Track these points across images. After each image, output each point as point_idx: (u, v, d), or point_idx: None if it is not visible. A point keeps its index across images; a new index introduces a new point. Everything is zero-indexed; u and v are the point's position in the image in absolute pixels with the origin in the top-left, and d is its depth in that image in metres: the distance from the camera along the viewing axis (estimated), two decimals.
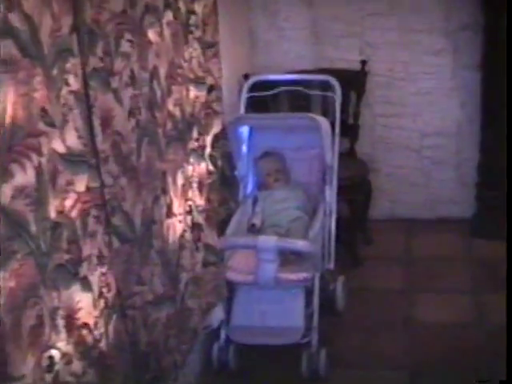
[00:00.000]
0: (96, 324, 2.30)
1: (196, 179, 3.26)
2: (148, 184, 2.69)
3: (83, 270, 2.22)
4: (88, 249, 2.25)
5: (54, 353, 2.05)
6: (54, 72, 2.04)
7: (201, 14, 3.32)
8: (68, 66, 2.12)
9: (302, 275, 3.47)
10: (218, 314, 3.51)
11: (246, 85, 4.04)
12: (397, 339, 3.73)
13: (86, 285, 2.24)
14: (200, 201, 3.29)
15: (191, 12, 3.22)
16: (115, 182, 2.44)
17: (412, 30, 4.61)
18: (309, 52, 4.78)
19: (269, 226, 3.79)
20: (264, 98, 4.18)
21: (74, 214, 2.16)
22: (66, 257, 2.11)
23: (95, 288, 2.30)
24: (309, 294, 3.54)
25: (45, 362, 2.00)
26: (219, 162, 3.58)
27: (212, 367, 3.54)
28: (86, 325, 2.24)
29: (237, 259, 3.60)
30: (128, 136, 2.52)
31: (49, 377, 2.01)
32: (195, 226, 3.23)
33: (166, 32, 2.94)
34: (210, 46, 3.49)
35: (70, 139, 2.13)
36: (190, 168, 3.20)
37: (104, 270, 2.36)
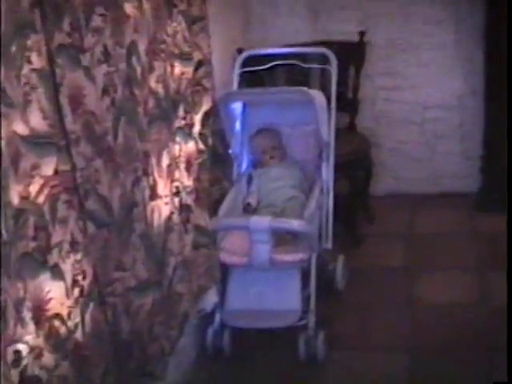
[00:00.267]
0: (70, 314, 2.20)
1: (183, 159, 3.14)
2: (127, 165, 2.57)
3: (53, 257, 2.11)
4: (59, 235, 2.14)
5: (21, 347, 1.94)
6: (13, 49, 1.92)
7: None
8: (29, 42, 2.00)
9: (298, 256, 3.36)
10: (211, 298, 3.41)
11: (239, 59, 3.90)
12: (398, 320, 3.59)
13: (57, 273, 2.14)
14: (188, 181, 3.18)
15: None
16: (88, 165, 2.32)
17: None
18: (306, 25, 4.63)
19: (264, 206, 3.68)
20: (260, 74, 4.03)
21: (40, 199, 2.05)
22: (33, 244, 2.01)
23: (68, 276, 2.19)
24: (306, 275, 3.42)
25: (10, 357, 1.89)
26: (210, 141, 3.46)
27: (207, 352, 3.43)
28: (57, 315, 2.13)
29: (230, 240, 3.48)
30: (102, 115, 2.40)
31: (15, 372, 1.90)
32: (183, 208, 3.12)
33: (146, 5, 2.82)
34: (197, 20, 3.37)
35: (34, 120, 2.02)
36: (176, 147, 3.08)
37: (78, 256, 2.26)
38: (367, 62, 4.45)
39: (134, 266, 2.61)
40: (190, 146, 3.21)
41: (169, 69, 3.02)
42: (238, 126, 3.79)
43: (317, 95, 3.53)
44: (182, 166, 3.12)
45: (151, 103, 2.82)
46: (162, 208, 2.89)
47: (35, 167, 2.02)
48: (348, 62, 4.36)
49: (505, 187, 4.25)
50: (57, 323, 2.12)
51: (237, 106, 3.77)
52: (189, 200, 3.15)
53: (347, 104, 4.33)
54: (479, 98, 4.44)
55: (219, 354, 3.42)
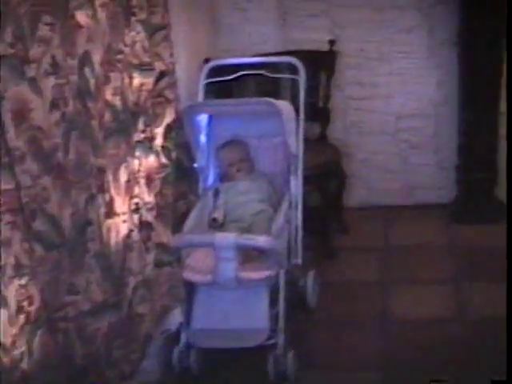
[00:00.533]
0: (14, 343, 2.05)
1: (143, 174, 3.02)
2: (80, 182, 2.45)
3: None
4: (1, 259, 2.00)
5: None
6: None
7: None
8: None
9: (265, 273, 3.22)
10: (175, 317, 3.28)
11: (204, 70, 3.76)
12: (372, 337, 3.46)
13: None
14: (149, 197, 3.05)
15: None
16: (35, 183, 2.19)
17: (383, 6, 4.37)
18: (275, 34, 4.54)
19: (231, 221, 3.54)
20: (228, 84, 3.89)
21: None
22: None
23: (12, 302, 2.05)
24: (275, 292, 3.28)
25: None
26: (173, 154, 3.34)
27: (173, 372, 3.28)
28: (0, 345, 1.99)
29: (195, 258, 3.34)
30: (51, 130, 2.28)
31: None
32: (144, 225, 2.99)
33: (101, 15, 2.70)
34: (158, 29, 3.25)
35: None
36: (135, 162, 2.96)
37: (24, 281, 2.12)
38: (338, 71, 4.39)
39: (88, 289, 2.48)
40: (151, 161, 3.08)
41: (127, 80, 2.90)
42: (203, 138, 3.65)
43: (284, 106, 3.41)
44: (142, 181, 2.99)
45: (107, 116, 2.70)
46: (120, 226, 2.77)
47: None
48: (318, 72, 4.29)
49: (481, 198, 4.20)
50: None
51: (202, 118, 3.63)
52: (150, 217, 3.02)
53: (318, 114, 4.27)
54: (453, 107, 4.36)
55: (186, 373, 3.28)
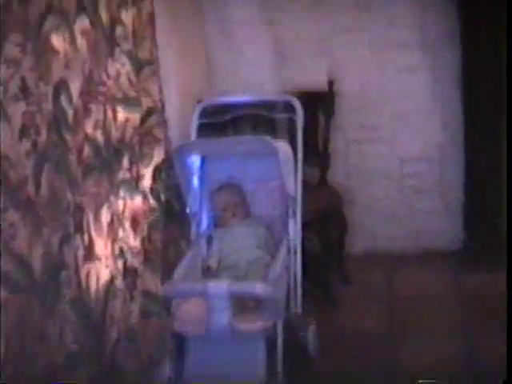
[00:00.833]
0: None
1: (128, 216, 2.79)
2: (53, 220, 2.23)
3: None
4: None
5: None
6: None
7: (130, 25, 2.87)
8: None
9: (261, 324, 2.99)
10: (163, 372, 3.01)
11: (197, 110, 3.56)
12: None
13: None
14: (135, 241, 2.82)
15: (116, 21, 2.76)
16: (0, 217, 1.95)
17: (384, 45, 4.26)
18: (272, 75, 4.41)
19: (225, 269, 3.32)
20: (223, 126, 3.72)
21: None
22: None
23: None
24: (272, 344, 3.05)
25: None
26: (163, 197, 3.12)
27: None
28: None
29: (186, 308, 3.10)
30: (19, 160, 2.05)
31: None
32: (129, 271, 2.76)
33: (81, 41, 2.50)
34: (146, 64, 3.07)
35: None
36: (119, 203, 2.73)
37: None
38: (338, 113, 4.21)
39: (62, 338, 2.22)
40: (137, 202, 2.86)
41: (110, 114, 2.70)
42: (195, 181, 3.45)
43: (281, 146, 3.23)
44: (127, 223, 2.78)
45: (87, 151, 2.50)
46: (102, 271, 2.55)
47: None
48: (317, 113, 4.16)
49: (491, 244, 3.98)
50: None
51: (194, 160, 3.43)
52: (135, 262, 2.79)
53: (317, 158, 4.11)
54: (460, 149, 4.18)
55: None
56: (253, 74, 4.41)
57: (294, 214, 3.32)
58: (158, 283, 2.97)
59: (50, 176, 2.21)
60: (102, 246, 2.53)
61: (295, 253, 3.32)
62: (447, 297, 3.99)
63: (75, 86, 2.42)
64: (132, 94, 2.88)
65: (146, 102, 3.03)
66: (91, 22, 2.55)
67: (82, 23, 2.49)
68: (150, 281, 2.91)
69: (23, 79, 2.09)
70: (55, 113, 2.27)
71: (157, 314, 2.92)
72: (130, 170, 2.82)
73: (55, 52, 2.30)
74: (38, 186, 2.14)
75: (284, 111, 3.65)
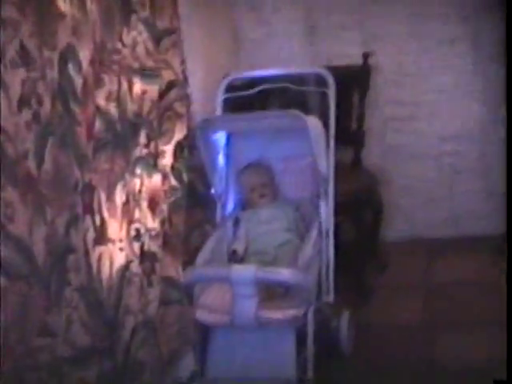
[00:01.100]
0: None
1: (146, 196, 2.59)
2: (58, 200, 2.01)
3: None
4: None
5: None
6: None
7: None
8: None
9: (291, 313, 2.83)
10: (187, 364, 2.87)
11: (222, 84, 3.42)
12: None
13: None
14: (153, 223, 2.62)
15: None
16: None
17: (423, 15, 4.06)
18: (303, 49, 4.26)
19: (253, 253, 3.18)
20: (250, 102, 3.55)
21: None
22: None
23: None
24: (303, 334, 2.89)
25: None
26: (185, 177, 2.92)
27: None
28: None
29: (210, 295, 2.96)
30: (18, 133, 1.85)
31: None
32: (147, 255, 2.56)
33: (91, 6, 2.30)
34: (166, 34, 2.87)
35: None
36: (135, 181, 2.53)
37: None
38: (373, 88, 4.08)
39: (69, 330, 2.03)
40: (156, 181, 2.65)
41: (125, 85, 2.48)
42: (221, 160, 3.31)
43: (311, 121, 3.06)
44: (145, 204, 2.58)
45: (99, 125, 2.30)
46: (115, 255, 2.35)
47: None
48: (351, 89, 4.01)
49: None
50: None
51: (220, 137, 3.29)
52: (154, 246, 2.59)
53: (351, 137, 3.98)
54: (502, 124, 3.95)
55: None
56: (282, 48, 4.27)
57: (326, 194, 3.19)
58: (180, 268, 2.76)
59: (55, 151, 2.01)
60: (115, 228, 2.34)
61: (327, 236, 3.17)
62: (488, 284, 3.79)
63: (85, 54, 2.22)
64: (150, 64, 2.67)
65: (167, 75, 2.83)
66: None
67: None
68: (171, 266, 2.72)
69: (22, 43, 1.88)
70: (61, 82, 2.06)
71: (178, 301, 2.71)
72: (147, 146, 2.62)
73: (61, 15, 2.09)
74: (40, 161, 1.95)
75: (315, 85, 3.49)
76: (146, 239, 2.56)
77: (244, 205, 3.38)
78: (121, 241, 2.39)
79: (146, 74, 2.65)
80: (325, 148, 3.14)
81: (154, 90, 2.71)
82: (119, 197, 2.39)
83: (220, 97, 3.40)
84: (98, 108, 2.30)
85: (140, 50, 2.63)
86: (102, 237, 2.26)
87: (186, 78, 3.07)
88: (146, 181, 2.60)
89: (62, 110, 2.07)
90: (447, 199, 4.35)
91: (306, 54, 4.24)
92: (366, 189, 3.91)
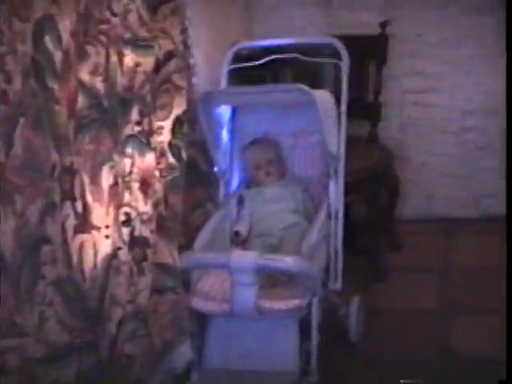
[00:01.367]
0: None
1: (137, 177, 2.43)
2: (31, 186, 1.85)
3: None
4: None
5: None
6: None
7: None
8: None
9: (293, 302, 2.66)
10: (182, 355, 2.71)
11: (229, 54, 3.28)
12: (429, 380, 2.89)
13: None
14: (145, 206, 2.45)
15: None
16: None
17: None
18: (318, 17, 4.16)
19: (257, 235, 3.03)
20: (260, 75, 3.45)
21: None
22: None
23: None
24: (307, 323, 2.75)
25: None
26: (184, 154, 2.75)
27: None
28: None
29: (208, 282, 2.81)
30: None
31: None
32: (137, 241, 2.40)
33: None
34: (164, 0, 2.66)
35: None
36: (125, 162, 2.36)
37: None
38: (391, 59, 3.94)
39: (42, 328, 1.87)
40: (149, 160, 2.48)
41: (114, 57, 2.32)
42: (224, 135, 3.17)
43: (320, 94, 2.90)
44: (136, 185, 2.41)
45: (82, 101, 2.12)
46: (101, 242, 2.18)
47: None
48: (367, 60, 3.92)
49: None
50: None
51: (223, 111, 3.14)
52: (145, 231, 2.42)
53: (367, 110, 3.88)
54: None
55: None
56: (295, 16, 4.18)
57: (336, 173, 3.05)
58: (175, 254, 2.59)
59: (27, 133, 1.84)
60: (101, 214, 2.18)
61: (336, 218, 3.02)
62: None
63: (65, 25, 2.03)
64: (144, 34, 2.49)
65: (165, 45, 2.66)
66: None
67: None
68: (165, 251, 2.56)
69: None
70: (35, 56, 1.88)
71: (172, 289, 2.56)
72: (140, 123, 2.45)
73: None
74: (8, 145, 1.78)
75: (329, 56, 3.34)
76: (137, 224, 2.41)
77: (249, 183, 3.24)
78: (107, 227, 2.23)
79: (139, 44, 2.47)
80: (335, 124, 3.00)
81: (148, 61, 2.53)
82: (106, 179, 2.23)
83: (225, 68, 3.26)
84: (81, 83, 2.13)
85: (132, 18, 2.44)
86: (84, 224, 2.11)
87: (187, 48, 2.89)
88: (138, 161, 2.44)
89: (36, 88, 1.89)
90: (467, 177, 4.27)
91: (321, 22, 4.15)
92: (382, 165, 3.81)
